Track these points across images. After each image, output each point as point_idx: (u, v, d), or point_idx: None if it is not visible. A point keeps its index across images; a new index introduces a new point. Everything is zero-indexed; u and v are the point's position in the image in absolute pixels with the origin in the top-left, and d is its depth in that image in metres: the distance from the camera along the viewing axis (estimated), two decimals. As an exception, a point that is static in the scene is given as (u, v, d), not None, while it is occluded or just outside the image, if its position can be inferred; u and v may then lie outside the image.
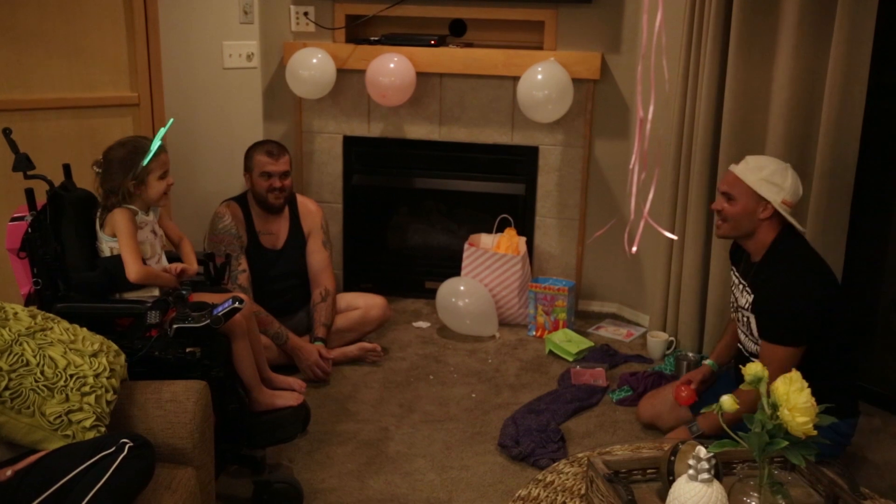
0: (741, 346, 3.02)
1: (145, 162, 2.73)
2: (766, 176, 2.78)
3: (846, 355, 2.86)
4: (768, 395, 1.93)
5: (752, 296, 2.83)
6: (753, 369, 1.95)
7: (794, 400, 1.87)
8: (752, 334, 2.88)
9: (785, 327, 2.72)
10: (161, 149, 2.78)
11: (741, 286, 2.93)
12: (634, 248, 2.48)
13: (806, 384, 1.91)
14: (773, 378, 2.63)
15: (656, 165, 2.63)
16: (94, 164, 2.77)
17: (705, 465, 1.91)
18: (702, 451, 1.93)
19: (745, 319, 2.90)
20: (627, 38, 4.06)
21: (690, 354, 3.67)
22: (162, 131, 2.82)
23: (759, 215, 2.79)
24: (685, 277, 3.80)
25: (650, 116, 2.31)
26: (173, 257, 2.98)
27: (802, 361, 2.75)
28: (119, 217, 2.71)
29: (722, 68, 3.51)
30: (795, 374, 1.93)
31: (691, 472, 1.93)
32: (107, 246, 2.72)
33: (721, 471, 2.08)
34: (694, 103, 3.64)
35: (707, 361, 3.20)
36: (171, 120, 2.80)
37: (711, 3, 3.48)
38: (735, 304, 2.99)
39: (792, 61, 3.28)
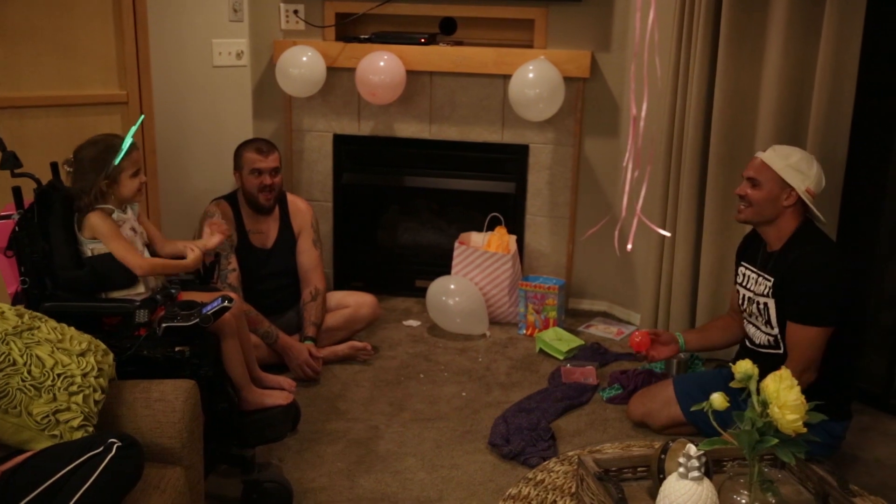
0: (747, 340, 3.03)
1: (117, 160, 2.69)
2: (792, 163, 2.81)
3: (847, 357, 2.88)
4: (758, 393, 1.93)
5: (772, 279, 2.84)
6: (743, 367, 1.95)
7: (784, 397, 1.87)
8: (768, 323, 2.89)
9: (816, 305, 2.75)
10: (133, 146, 2.74)
11: (755, 276, 2.94)
12: (629, 246, 2.48)
13: (796, 381, 1.91)
14: (800, 359, 2.67)
15: (648, 163, 2.63)
16: (65, 163, 2.74)
17: (695, 462, 1.92)
18: (692, 448, 1.93)
19: (760, 309, 2.91)
20: (617, 36, 4.06)
21: (681, 353, 3.66)
22: (133, 129, 2.79)
23: (782, 202, 2.82)
24: (676, 276, 3.81)
25: (643, 114, 2.31)
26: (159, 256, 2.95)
27: None
28: (96, 220, 2.67)
29: (712, 67, 3.52)
30: (786, 372, 1.93)
31: (681, 470, 1.93)
32: (87, 248, 2.69)
33: (711, 468, 2.08)
34: (684, 101, 3.65)
35: (676, 333, 3.22)
36: (142, 116, 2.79)
37: (701, 1, 3.48)
38: (748, 296, 2.98)
39: (781, 59, 3.29)
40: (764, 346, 2.93)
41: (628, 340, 3.15)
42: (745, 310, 3.04)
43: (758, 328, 2.97)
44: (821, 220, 2.86)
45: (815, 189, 2.83)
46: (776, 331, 2.87)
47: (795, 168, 2.81)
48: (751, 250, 3.05)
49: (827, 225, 2.92)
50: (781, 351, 2.86)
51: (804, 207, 2.84)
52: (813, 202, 2.82)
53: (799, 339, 2.76)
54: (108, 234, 2.68)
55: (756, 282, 2.94)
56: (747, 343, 3.05)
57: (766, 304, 2.88)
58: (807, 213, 2.86)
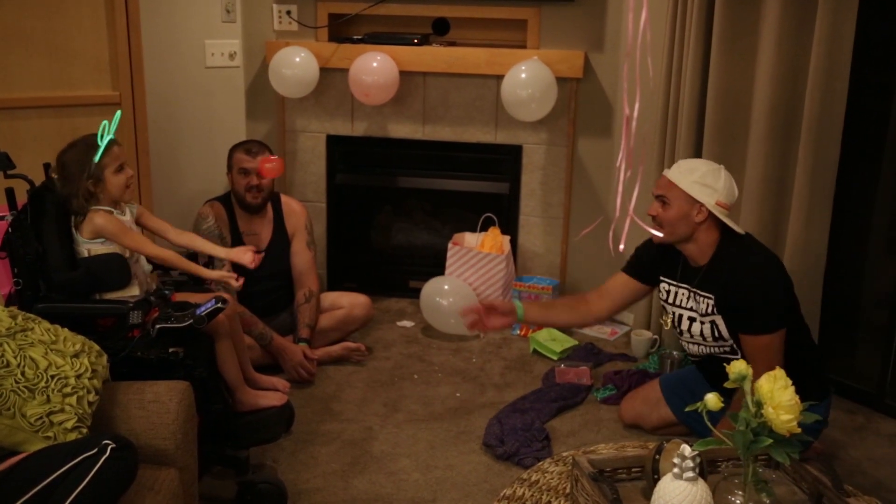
0: (688, 355, 3.03)
1: (97, 158, 2.68)
2: (697, 178, 2.75)
3: (806, 337, 2.88)
4: (752, 394, 1.93)
5: (713, 297, 2.79)
6: (737, 367, 1.96)
7: (778, 398, 1.88)
8: (718, 338, 2.84)
9: (768, 314, 2.72)
10: (113, 142, 2.73)
11: (688, 293, 2.89)
12: (622, 247, 2.48)
13: (790, 382, 1.92)
14: (768, 367, 2.66)
15: (641, 163, 2.63)
16: (52, 171, 2.72)
17: (690, 463, 1.92)
18: (686, 449, 1.94)
19: (705, 327, 2.85)
20: (610, 36, 4.06)
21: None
22: (109, 125, 2.76)
23: (693, 218, 2.76)
24: (669, 276, 3.81)
25: (636, 114, 2.31)
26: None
27: None
28: (102, 220, 2.67)
29: (705, 66, 3.53)
30: (780, 372, 1.93)
31: (676, 470, 1.94)
32: (84, 248, 2.68)
33: (706, 469, 2.09)
34: (677, 101, 3.65)
35: (516, 302, 3.08)
36: (119, 112, 2.77)
37: (694, 1, 3.49)
38: (681, 315, 2.92)
39: (774, 59, 3.29)
40: (709, 357, 2.90)
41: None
42: (680, 331, 2.97)
43: (700, 345, 2.92)
44: (738, 231, 2.79)
45: (727, 200, 2.76)
46: (730, 342, 2.83)
47: (701, 183, 2.74)
48: (666, 263, 2.96)
49: (745, 235, 2.83)
50: (737, 356, 2.80)
51: (719, 219, 2.77)
52: (727, 214, 2.77)
53: (756, 349, 2.72)
54: (116, 231, 2.68)
55: (691, 298, 2.88)
56: (690, 357, 3.03)
57: (713, 321, 2.83)
58: (722, 224, 2.79)
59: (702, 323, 2.86)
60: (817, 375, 2.87)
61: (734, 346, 2.84)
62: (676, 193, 2.77)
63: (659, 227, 2.80)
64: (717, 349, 2.88)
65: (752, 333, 2.74)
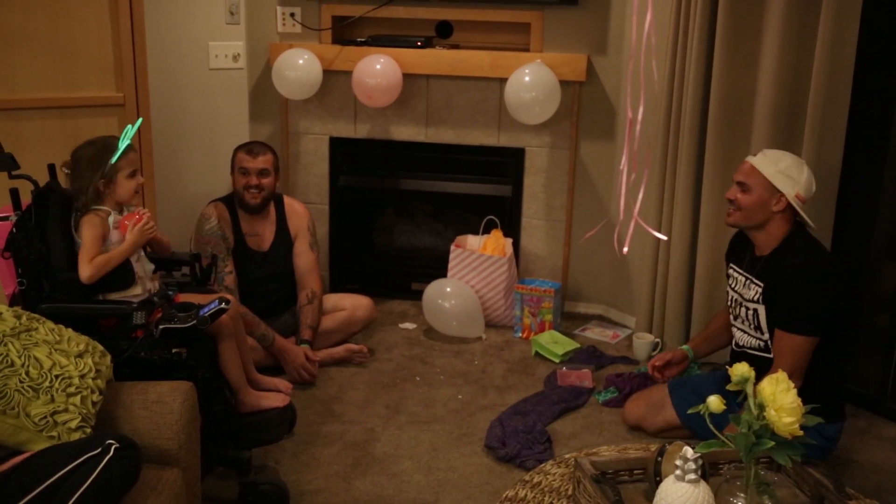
0: (735, 344, 3.04)
1: (114, 159, 2.70)
2: (782, 168, 2.81)
3: (837, 359, 2.89)
4: (755, 396, 1.94)
5: (762, 286, 2.84)
6: (740, 370, 1.96)
7: (780, 400, 1.88)
8: (757, 328, 2.89)
9: (802, 314, 2.75)
10: (130, 147, 2.75)
11: (744, 280, 2.94)
12: (626, 249, 2.49)
13: (792, 385, 1.92)
14: (785, 367, 2.67)
15: (645, 166, 2.64)
16: (63, 165, 2.74)
17: (692, 465, 1.92)
18: (689, 451, 1.94)
19: (749, 313, 2.91)
20: (613, 39, 4.07)
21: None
22: (130, 130, 2.79)
23: (771, 207, 2.82)
24: (671, 279, 3.82)
25: (639, 118, 2.32)
26: (156, 258, 2.95)
27: None
28: (85, 222, 2.68)
29: (708, 70, 3.53)
30: (782, 375, 1.94)
31: (678, 472, 1.94)
32: None
33: (708, 471, 2.09)
34: (680, 105, 3.66)
35: (684, 347, 3.23)
36: (140, 119, 2.80)
37: (697, 5, 3.50)
38: (736, 300, 2.99)
39: (777, 63, 3.30)
40: (752, 349, 2.94)
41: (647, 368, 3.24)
42: (732, 312, 3.04)
43: (744, 332, 2.97)
44: (810, 225, 2.86)
45: (805, 195, 2.83)
46: (766, 336, 2.88)
47: (785, 173, 2.80)
48: (738, 251, 3.05)
49: (817, 230, 2.91)
50: (771, 355, 2.86)
51: (794, 213, 2.84)
52: (803, 208, 2.82)
53: (784, 347, 2.76)
54: (85, 234, 2.66)
55: (744, 285, 2.94)
56: (734, 346, 3.06)
57: (755, 310, 2.88)
58: (797, 218, 2.86)
59: (746, 308, 2.92)
60: (834, 398, 2.89)
61: (769, 343, 2.87)
62: (759, 180, 2.82)
63: (736, 210, 2.88)
64: (755, 341, 2.92)
65: (787, 330, 2.77)
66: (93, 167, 2.70)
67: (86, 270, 2.62)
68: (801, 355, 2.75)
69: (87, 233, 2.67)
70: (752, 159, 2.89)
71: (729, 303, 3.06)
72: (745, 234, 2.99)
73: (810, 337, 2.75)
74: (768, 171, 2.81)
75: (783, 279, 2.78)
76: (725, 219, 2.96)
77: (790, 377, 2.67)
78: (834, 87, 3.18)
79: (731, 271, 3.06)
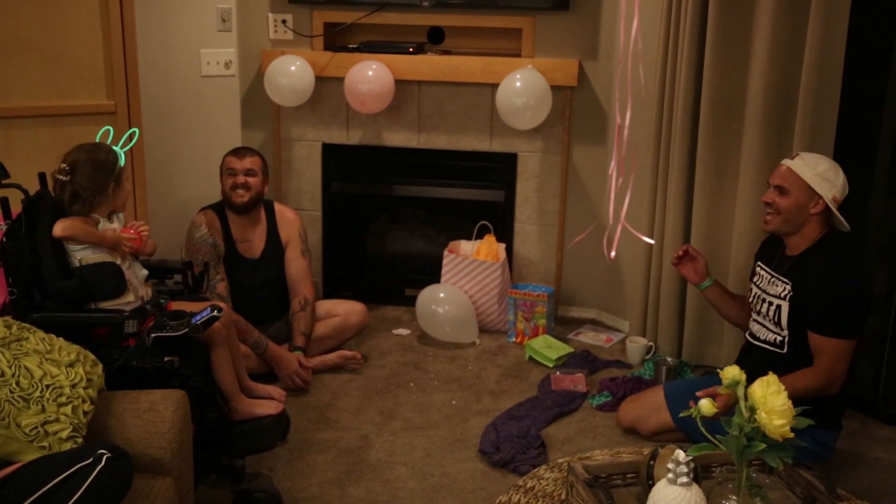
0: (749, 335, 3.06)
1: (122, 162, 2.76)
2: (820, 172, 2.83)
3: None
4: (746, 399, 1.94)
5: (789, 283, 2.86)
6: (730, 373, 1.97)
7: (771, 403, 1.89)
8: (778, 324, 2.91)
9: (845, 317, 2.78)
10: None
11: (770, 278, 2.96)
12: (613, 254, 2.50)
13: (783, 387, 1.93)
14: (828, 371, 2.72)
15: (633, 171, 2.64)
16: (59, 172, 2.72)
17: (684, 468, 1.93)
18: (681, 454, 1.94)
19: (772, 309, 2.92)
20: (604, 45, 4.08)
21: (669, 359, 3.69)
22: (131, 142, 2.82)
23: (810, 210, 2.84)
24: (664, 283, 3.82)
25: (627, 122, 2.33)
26: (148, 266, 2.95)
27: (803, 364, 2.79)
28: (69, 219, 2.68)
29: (698, 74, 3.54)
30: (772, 378, 1.94)
31: (670, 475, 1.94)
32: (75, 258, 2.68)
33: (700, 474, 2.09)
34: (671, 109, 3.67)
35: (711, 278, 3.24)
36: (134, 130, 2.84)
37: (687, 10, 3.51)
38: (758, 296, 3.00)
39: (766, 66, 3.31)
40: (768, 343, 2.95)
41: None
42: (753, 307, 3.06)
43: (763, 326, 2.99)
44: (845, 226, 2.88)
45: (840, 196, 2.86)
46: (785, 333, 2.89)
47: (823, 176, 2.83)
48: (768, 251, 3.07)
49: (851, 231, 2.92)
50: (785, 351, 2.89)
51: (828, 215, 2.87)
52: (837, 208, 2.85)
53: (826, 351, 2.78)
54: (75, 220, 2.67)
55: (770, 283, 2.96)
56: (749, 337, 3.07)
57: (778, 306, 2.89)
58: (830, 220, 2.89)
59: (770, 304, 2.93)
60: (835, 406, 2.90)
61: (786, 340, 2.89)
62: (797, 184, 2.85)
63: (774, 214, 2.90)
64: (772, 336, 2.93)
65: (829, 335, 2.78)
66: (105, 171, 2.72)
67: (59, 226, 2.61)
68: (843, 359, 2.78)
69: (78, 221, 2.67)
70: (788, 162, 2.91)
71: (751, 298, 3.07)
72: (776, 236, 3.01)
73: (852, 340, 2.78)
74: (807, 174, 2.84)
75: (814, 282, 2.81)
76: (763, 225, 2.98)
77: (832, 383, 2.75)
78: (823, 90, 3.20)
79: (757, 269, 3.08)
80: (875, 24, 3.32)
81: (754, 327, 3.05)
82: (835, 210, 2.84)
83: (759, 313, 3.02)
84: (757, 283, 3.05)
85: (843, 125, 3.25)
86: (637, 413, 3.22)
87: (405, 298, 4.50)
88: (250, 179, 3.64)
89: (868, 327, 3.49)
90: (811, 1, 3.13)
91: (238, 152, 3.70)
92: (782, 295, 2.89)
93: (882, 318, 3.40)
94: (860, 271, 2.83)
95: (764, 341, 2.97)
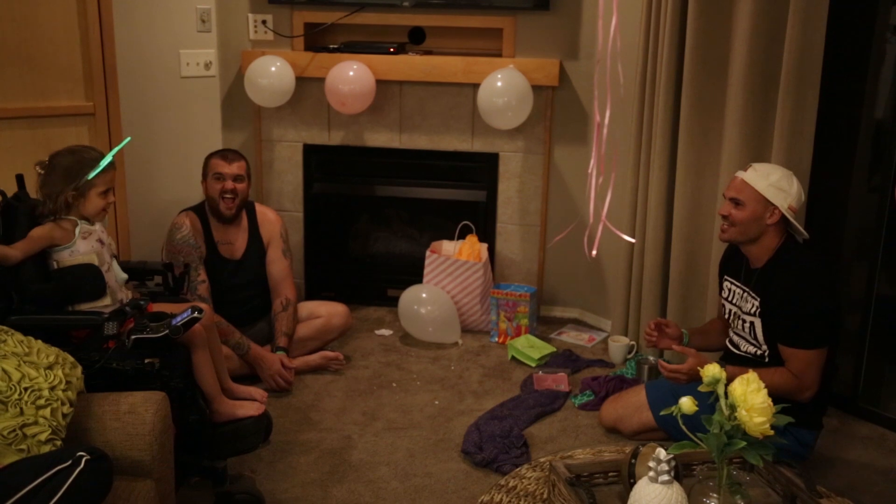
0: (731, 345, 3.06)
1: (91, 175, 2.68)
2: (773, 182, 2.83)
3: (825, 368, 2.92)
4: (726, 397, 1.95)
5: (758, 300, 2.86)
6: (710, 371, 1.98)
7: (751, 400, 1.90)
8: (754, 339, 2.91)
9: (811, 328, 2.77)
10: (110, 166, 2.74)
11: (741, 292, 2.96)
12: (594, 252, 2.50)
13: (763, 385, 1.94)
14: (802, 380, 2.70)
15: (614, 169, 2.65)
16: (38, 164, 2.71)
17: (665, 466, 1.94)
18: (662, 453, 1.95)
19: (746, 326, 2.93)
20: (585, 44, 4.09)
21: (651, 358, 3.70)
22: (116, 148, 2.79)
23: (766, 220, 2.84)
24: (645, 282, 3.84)
25: (606, 121, 2.34)
26: (128, 268, 2.93)
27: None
28: (43, 224, 2.66)
29: (678, 74, 3.56)
30: (752, 376, 1.95)
31: (651, 474, 1.95)
32: (52, 260, 2.66)
33: (681, 472, 2.11)
34: (651, 108, 3.68)
35: (683, 331, 3.21)
36: (128, 138, 2.79)
37: (667, 9, 3.52)
38: (734, 313, 3.00)
39: (746, 67, 3.33)
40: (749, 354, 2.96)
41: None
42: (731, 323, 3.06)
43: (744, 339, 2.99)
44: (803, 234, 2.88)
45: (797, 205, 2.86)
46: (764, 348, 2.89)
47: (777, 186, 2.83)
48: (734, 264, 3.06)
49: (808, 239, 2.93)
50: (767, 362, 2.88)
51: (786, 224, 2.87)
52: (794, 217, 2.85)
53: (795, 361, 2.78)
54: (35, 230, 2.64)
55: (742, 298, 2.96)
56: (730, 346, 3.07)
57: (752, 322, 2.90)
58: (788, 228, 2.89)
59: (744, 322, 2.94)
60: (816, 406, 2.91)
61: (766, 354, 2.88)
62: (752, 195, 2.85)
63: (730, 226, 2.90)
64: (753, 349, 2.94)
65: (798, 346, 2.78)
66: (67, 177, 2.68)
67: (9, 250, 2.56)
68: (815, 368, 2.78)
69: (37, 231, 2.64)
70: (742, 174, 2.91)
71: (727, 315, 3.07)
72: (737, 248, 3.01)
73: (821, 349, 2.78)
74: (760, 185, 2.84)
75: (779, 296, 2.80)
76: (720, 235, 2.98)
77: (807, 389, 2.74)
78: (802, 91, 3.21)
79: (726, 284, 3.07)
80: (853, 24, 3.35)
81: (735, 338, 3.05)
82: (792, 219, 2.83)
83: (736, 329, 3.03)
84: (729, 299, 3.05)
85: (822, 124, 3.27)
86: (619, 412, 3.23)
87: (387, 299, 4.49)
88: (238, 185, 3.61)
89: (847, 326, 3.53)
90: (790, 1, 3.15)
91: (226, 156, 3.65)
92: (752, 311, 2.89)
93: (861, 317, 3.42)
94: (824, 280, 2.82)
95: (745, 353, 2.98)
